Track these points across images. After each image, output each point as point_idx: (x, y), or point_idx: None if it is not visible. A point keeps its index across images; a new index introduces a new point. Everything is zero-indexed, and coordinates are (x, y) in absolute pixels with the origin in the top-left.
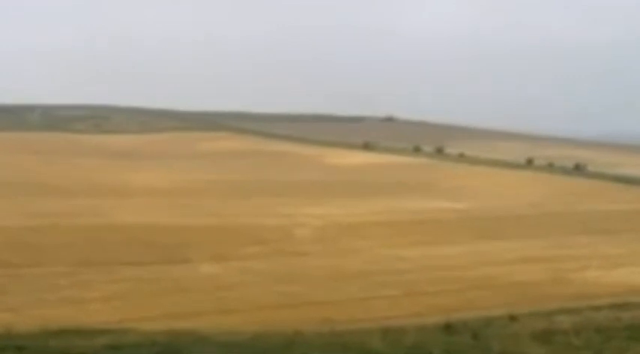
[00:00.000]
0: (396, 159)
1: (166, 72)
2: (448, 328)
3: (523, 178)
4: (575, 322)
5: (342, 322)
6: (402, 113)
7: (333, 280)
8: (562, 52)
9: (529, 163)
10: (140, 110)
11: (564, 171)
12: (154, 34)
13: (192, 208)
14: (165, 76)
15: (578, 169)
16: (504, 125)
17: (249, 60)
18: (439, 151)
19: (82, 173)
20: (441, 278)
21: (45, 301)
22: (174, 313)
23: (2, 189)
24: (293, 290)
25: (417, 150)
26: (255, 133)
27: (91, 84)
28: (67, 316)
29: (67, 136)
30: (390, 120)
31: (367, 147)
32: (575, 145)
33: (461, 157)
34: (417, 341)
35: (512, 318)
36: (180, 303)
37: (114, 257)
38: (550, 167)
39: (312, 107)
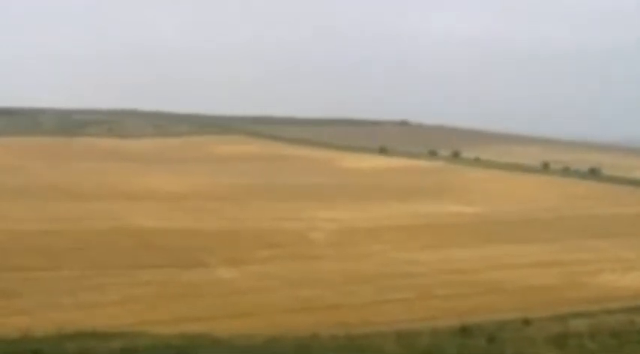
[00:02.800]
0: (412, 163)
1: (181, 76)
2: (463, 331)
3: (538, 182)
4: (589, 325)
5: (356, 325)
6: (418, 117)
7: (347, 283)
8: (576, 57)
9: (545, 167)
10: (154, 114)
11: (579, 175)
12: (168, 39)
13: (207, 212)
14: (180, 80)
15: (594, 173)
16: (520, 129)
17: (263, 64)
18: (455, 155)
19: (97, 177)
20: (456, 282)
21: (61, 304)
22: (189, 317)
23: (18, 194)
24: (308, 294)
25: (432, 154)
26: (270, 137)
27: (105, 88)
28: (83, 319)
29: (82, 141)
30: (405, 124)
31: (383, 151)
32: (591, 149)
33: (476, 162)
34: (432, 344)
35: (527, 322)
36: (196, 306)
37: (129, 261)
38: (565, 171)
39: (328, 111)
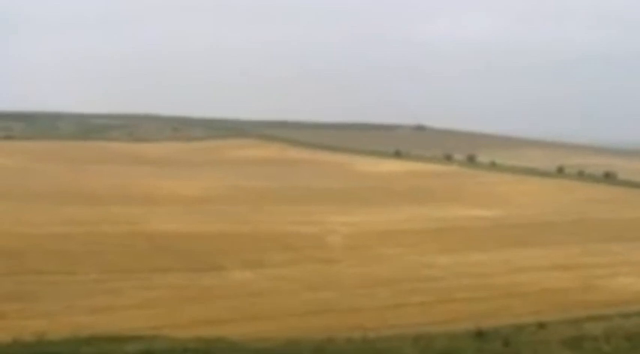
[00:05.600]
0: (427, 167)
1: (198, 80)
2: (479, 334)
3: (553, 186)
4: (604, 328)
5: (373, 328)
6: (433, 121)
7: (364, 287)
8: (591, 61)
9: (560, 171)
10: (172, 118)
11: (594, 179)
12: (185, 44)
13: (223, 215)
14: (197, 85)
15: (609, 177)
16: (535, 133)
17: (280, 68)
18: (470, 160)
19: (114, 181)
20: (472, 285)
21: (77, 307)
22: (205, 320)
23: (36, 197)
24: (324, 297)
25: (447, 158)
26: (286, 142)
27: (123, 93)
28: (99, 322)
29: (99, 145)
30: (421, 128)
31: (398, 155)
32: (606, 153)
33: (492, 166)
34: (448, 348)
35: (542, 325)
36: (212, 310)
37: (146, 265)
38: (580, 175)
39: (343, 115)
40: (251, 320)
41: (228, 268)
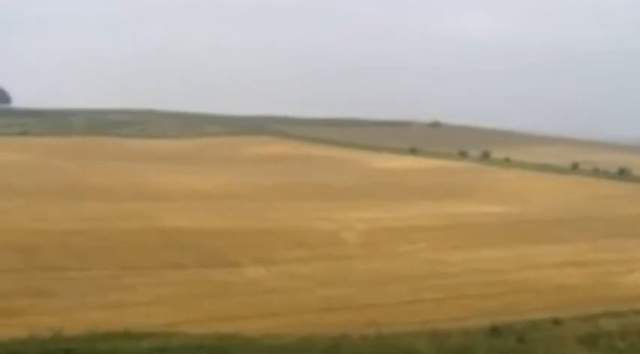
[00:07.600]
0: (442, 163)
1: (210, 77)
2: (493, 331)
3: (568, 182)
4: (619, 325)
5: (388, 325)
6: (449, 118)
7: (378, 283)
8: (604, 57)
9: (574, 167)
10: (184, 115)
11: (609, 175)
12: (197, 40)
13: (237, 211)
14: (209, 81)
15: (623, 174)
16: (550, 130)
17: (294, 65)
18: (485, 156)
19: (128, 177)
20: (486, 282)
21: (91, 304)
22: (220, 317)
23: (49, 193)
24: (339, 293)
25: (462, 154)
26: (300, 138)
27: (136, 89)
28: (114, 319)
29: (112, 141)
30: (436, 125)
31: (413, 151)
32: (620, 149)
33: (506, 162)
34: (463, 344)
35: (557, 322)
36: (226, 306)
37: (159, 261)
38: (595, 172)
39: (358, 112)
40: (266, 317)
41: (243, 265)
